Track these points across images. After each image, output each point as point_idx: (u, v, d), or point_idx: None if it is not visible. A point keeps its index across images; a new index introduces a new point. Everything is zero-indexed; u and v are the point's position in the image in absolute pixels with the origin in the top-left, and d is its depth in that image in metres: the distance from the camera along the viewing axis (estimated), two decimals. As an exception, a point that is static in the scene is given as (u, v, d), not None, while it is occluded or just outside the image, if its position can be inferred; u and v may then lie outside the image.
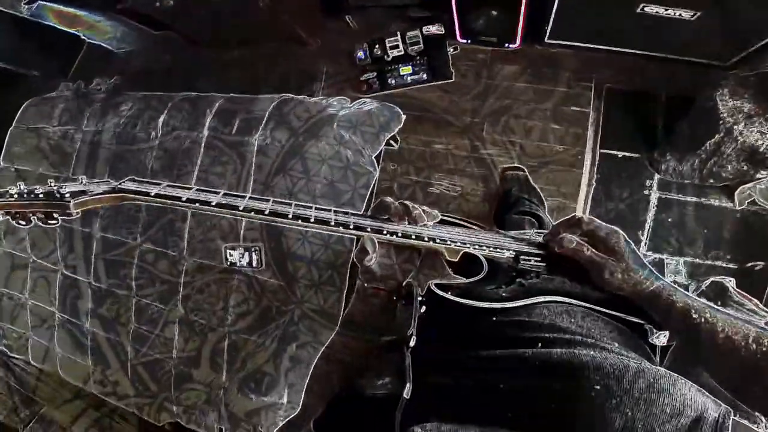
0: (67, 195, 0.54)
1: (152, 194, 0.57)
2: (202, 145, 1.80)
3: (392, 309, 0.72)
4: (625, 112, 1.90)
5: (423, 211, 0.62)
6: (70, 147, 2.08)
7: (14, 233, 2.16)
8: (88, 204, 0.56)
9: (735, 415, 0.40)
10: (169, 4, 2.09)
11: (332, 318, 1.59)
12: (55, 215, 0.55)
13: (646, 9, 1.55)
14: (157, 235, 1.81)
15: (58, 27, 2.42)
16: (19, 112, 2.28)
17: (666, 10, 1.54)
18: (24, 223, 0.56)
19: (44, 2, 2.35)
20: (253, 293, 1.66)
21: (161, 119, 1.91)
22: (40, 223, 0.56)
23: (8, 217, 0.55)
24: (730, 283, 1.67)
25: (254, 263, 1.61)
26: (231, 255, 1.64)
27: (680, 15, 1.55)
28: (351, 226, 0.58)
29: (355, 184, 1.60)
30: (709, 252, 1.78)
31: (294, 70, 2.25)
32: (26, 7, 2.31)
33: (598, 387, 0.41)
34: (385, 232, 0.59)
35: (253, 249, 1.60)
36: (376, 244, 0.58)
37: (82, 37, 2.54)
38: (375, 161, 1.63)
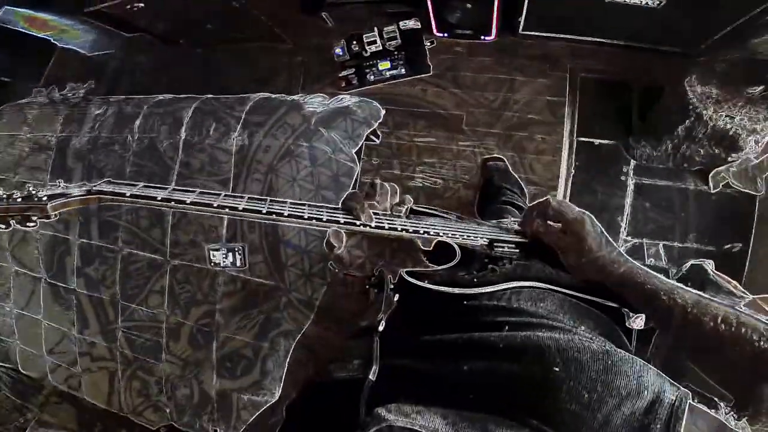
0: (45, 198, 0.55)
1: (128, 195, 0.57)
2: (180, 148, 1.77)
3: (365, 296, 0.73)
4: (600, 101, 1.93)
5: (394, 191, 0.63)
6: (44, 153, 2.03)
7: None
8: (65, 206, 0.57)
9: (693, 399, 0.41)
10: (140, 6, 2.06)
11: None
12: (33, 218, 0.56)
13: (614, -1, 1.58)
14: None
15: (29, 32, 2.37)
16: None
17: None
18: (3, 226, 0.56)
19: (12, 8, 2.30)
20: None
21: (137, 123, 1.88)
22: (18, 226, 0.56)
23: None
24: (709, 265, 1.71)
25: (238, 263, 1.60)
26: (214, 256, 1.63)
27: (646, 3, 1.58)
28: (324, 219, 0.59)
29: (336, 180, 1.60)
30: (687, 235, 1.81)
31: (272, 69, 2.24)
32: (-7, 11, 2.26)
33: (557, 369, 0.42)
34: (358, 224, 0.59)
35: (236, 249, 1.59)
36: (343, 237, 0.59)
37: (53, 42, 2.49)
38: (356, 157, 1.63)
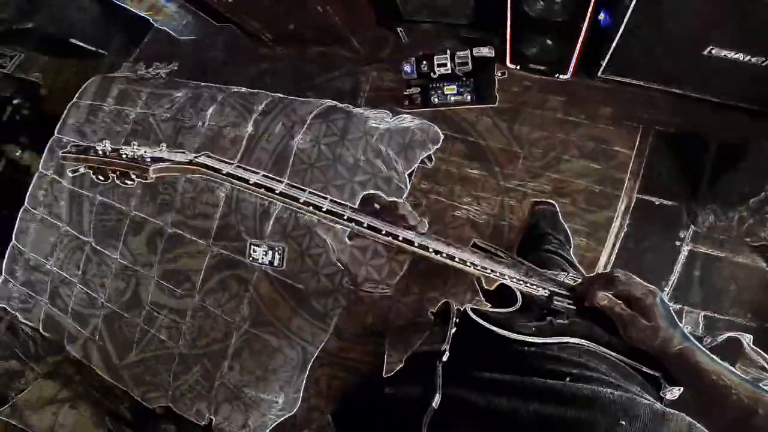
0: (149, 159, 0.58)
1: (224, 172, 0.59)
2: (245, 140, 1.87)
3: (380, 313, 0.75)
4: (671, 158, 1.84)
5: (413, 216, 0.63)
6: (121, 126, 2.18)
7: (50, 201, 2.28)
8: (165, 171, 0.59)
9: None
10: (232, -1, 2.18)
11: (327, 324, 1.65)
12: (133, 176, 0.58)
13: (713, 52, 1.50)
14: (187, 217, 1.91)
15: (129, 8, 2.56)
16: (81, 89, 2.39)
17: (736, 54, 1.48)
18: (102, 179, 0.59)
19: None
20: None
21: (210, 110, 1.99)
22: (117, 181, 0.59)
23: (90, 170, 0.58)
24: (746, 338, 1.61)
25: (276, 262, 1.66)
26: (255, 251, 1.70)
27: (749, 60, 1.48)
28: (365, 225, 0.58)
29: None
30: (731, 308, 1.73)
31: (342, 75, 2.30)
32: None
33: (623, 422, 0.44)
34: (401, 237, 0.59)
35: (276, 248, 1.66)
36: (335, 231, 0.60)
37: (150, 21, 2.67)
38: (407, 178, 1.66)
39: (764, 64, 1.47)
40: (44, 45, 2.82)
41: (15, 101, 2.87)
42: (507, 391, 0.53)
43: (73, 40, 2.74)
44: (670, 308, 0.61)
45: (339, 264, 0.63)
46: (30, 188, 2.34)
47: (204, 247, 1.85)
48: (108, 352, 2.02)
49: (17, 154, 2.80)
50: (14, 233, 2.34)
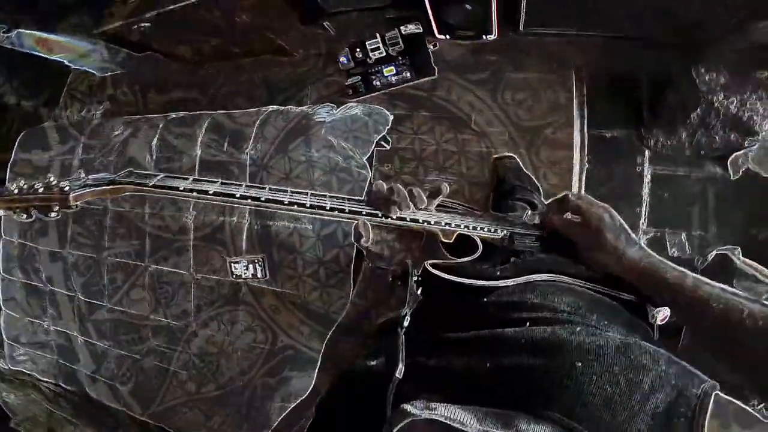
0: (66, 188, 0.56)
1: (150, 185, 0.58)
2: (197, 163, 1.82)
3: (393, 289, 0.74)
4: (609, 93, 1.90)
5: (420, 197, 0.64)
6: (68, 174, 2.10)
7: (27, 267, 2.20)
8: (87, 196, 0.58)
9: (721, 391, 0.40)
10: (146, 26, 2.11)
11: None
12: (55, 208, 0.57)
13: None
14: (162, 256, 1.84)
15: (42, 54, 2.43)
16: (16, 145, 2.30)
17: None
18: (25, 216, 0.57)
19: (23, 30, 2.36)
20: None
21: (154, 142, 1.93)
22: (41, 216, 0.57)
23: (10, 212, 0.57)
24: (736, 252, 1.66)
25: (259, 274, 1.63)
26: (235, 268, 1.66)
27: (651, -6, 1.56)
28: (347, 210, 0.60)
29: (348, 188, 1.62)
30: (710, 223, 1.78)
31: (279, 82, 2.27)
32: (5, 36, 2.32)
33: (579, 364, 0.42)
34: (380, 215, 0.60)
35: (256, 261, 1.63)
36: (369, 228, 0.60)
37: (67, 63, 2.56)
38: (367, 164, 1.64)
39: None
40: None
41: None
42: (469, 349, 0.52)
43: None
44: (623, 223, 0.61)
45: (364, 252, 0.64)
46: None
47: (188, 278, 1.80)
48: (166, 420, 1.97)
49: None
50: (0, 301, 2.30)
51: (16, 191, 0.56)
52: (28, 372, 2.31)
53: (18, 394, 2.41)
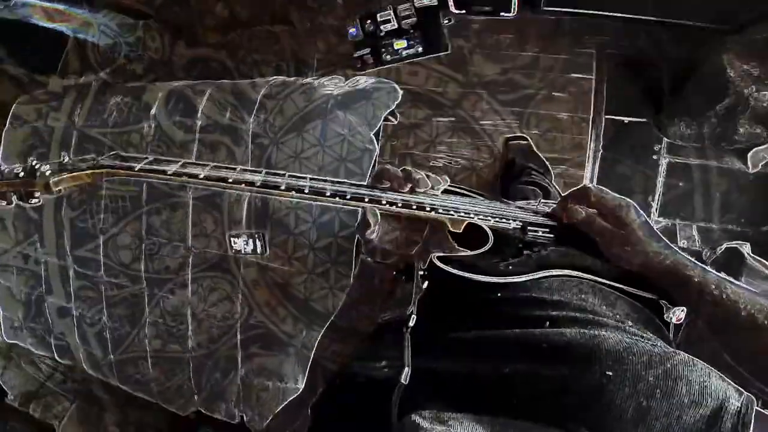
0: (48, 172, 0.53)
1: (136, 168, 0.55)
2: (197, 133, 1.76)
3: (393, 285, 0.69)
4: (629, 77, 1.84)
5: (427, 176, 0.58)
6: (64, 144, 2.05)
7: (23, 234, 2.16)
8: (69, 181, 0.54)
9: (758, 404, 0.37)
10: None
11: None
12: (36, 194, 0.53)
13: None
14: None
15: (43, 24, 2.38)
16: (11, 112, 2.24)
17: None
18: (5, 203, 0.54)
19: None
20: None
21: (153, 110, 1.87)
22: (20, 203, 0.54)
23: None
24: (745, 248, 1.65)
25: (258, 250, 1.58)
26: (235, 243, 1.61)
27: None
28: (348, 197, 0.54)
29: (355, 162, 1.57)
30: (722, 217, 1.74)
31: (285, 53, 2.19)
32: (5, 4, 2.27)
33: (610, 373, 0.38)
34: (384, 201, 0.55)
35: (257, 235, 1.58)
36: (378, 216, 0.55)
37: (66, 32, 2.49)
38: (374, 138, 1.58)
39: None
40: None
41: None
42: (482, 352, 0.48)
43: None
44: (647, 220, 0.56)
45: (363, 240, 0.58)
46: None
47: (184, 251, 1.76)
48: (126, 370, 1.97)
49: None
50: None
51: None
52: (24, 345, 2.24)
53: (13, 368, 2.39)
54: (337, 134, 1.58)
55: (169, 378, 1.88)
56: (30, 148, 2.14)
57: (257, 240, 1.61)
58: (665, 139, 1.78)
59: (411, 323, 0.54)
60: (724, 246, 1.78)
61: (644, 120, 1.80)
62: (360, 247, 1.53)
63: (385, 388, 0.45)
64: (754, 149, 1.70)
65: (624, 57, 1.85)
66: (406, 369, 0.46)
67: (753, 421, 0.35)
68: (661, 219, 1.76)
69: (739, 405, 0.36)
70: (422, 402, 0.42)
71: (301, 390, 1.67)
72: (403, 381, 0.45)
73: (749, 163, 1.73)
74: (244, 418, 1.74)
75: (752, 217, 1.73)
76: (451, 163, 1.92)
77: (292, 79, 1.75)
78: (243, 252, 1.64)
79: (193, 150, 1.74)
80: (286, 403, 1.68)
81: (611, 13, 1.77)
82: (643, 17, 1.74)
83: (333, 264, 1.59)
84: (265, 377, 1.70)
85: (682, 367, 0.38)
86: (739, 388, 0.39)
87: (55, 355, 2.16)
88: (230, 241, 1.65)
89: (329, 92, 1.65)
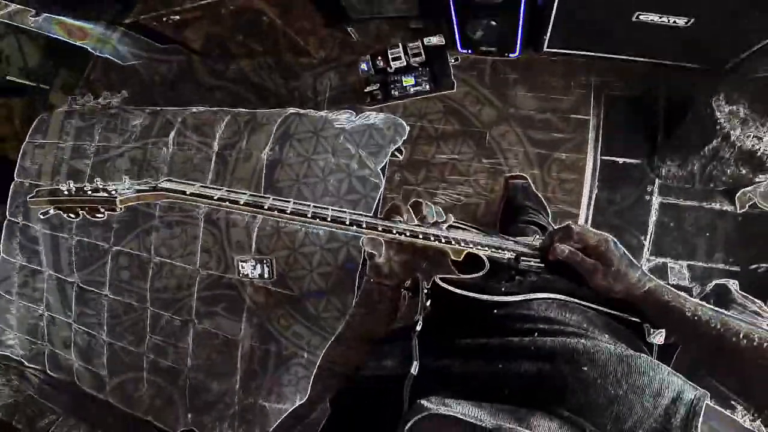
0: (114, 191, 0.59)
1: (188, 193, 0.61)
2: (213, 160, 1.84)
3: (395, 304, 0.76)
4: (625, 118, 1.92)
5: (435, 211, 0.67)
6: (82, 163, 2.12)
7: (27, 245, 2.22)
8: (132, 200, 0.61)
9: (710, 400, 0.43)
10: (176, 18, 2.14)
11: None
12: (102, 209, 0.59)
13: (641, 17, 1.59)
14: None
15: (66, 40, 2.46)
16: (31, 128, 2.31)
17: (660, 17, 1.57)
18: (73, 216, 0.60)
19: (51, 15, 2.39)
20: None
21: (171, 135, 1.95)
22: (88, 216, 0.60)
23: (59, 211, 0.60)
24: (734, 285, 1.69)
25: (266, 275, 1.65)
26: (243, 267, 1.68)
27: (674, 22, 1.57)
28: (364, 225, 0.62)
29: (362, 194, 1.65)
30: (712, 255, 1.80)
31: (298, 83, 2.29)
32: (33, 20, 2.36)
33: (585, 368, 0.46)
34: (394, 231, 0.62)
35: (264, 261, 1.65)
36: (382, 242, 0.63)
37: (90, 50, 2.58)
38: (381, 173, 1.66)
39: (688, 24, 1.56)
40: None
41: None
42: (478, 355, 0.55)
43: (10, 77, 2.62)
44: (625, 252, 0.64)
45: (370, 262, 0.66)
46: (2, 237, 2.28)
47: (192, 271, 1.82)
48: (121, 385, 2.01)
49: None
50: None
51: (66, 192, 0.59)
52: (15, 357, 2.30)
53: (1, 379, 2.41)
54: (346, 167, 1.67)
55: (162, 396, 1.92)
56: (45, 164, 2.21)
57: (264, 265, 1.68)
58: (657, 180, 1.85)
59: (418, 327, 0.60)
60: (713, 283, 1.83)
61: (638, 161, 1.88)
62: (363, 272, 1.60)
63: (396, 379, 0.51)
64: (741, 190, 1.76)
65: (621, 98, 1.93)
66: (415, 362, 0.53)
67: (704, 409, 0.42)
68: (652, 257, 1.82)
69: (692, 397, 0.43)
70: (429, 393, 0.47)
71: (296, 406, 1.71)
72: (413, 372, 0.52)
73: (737, 203, 1.79)
74: None
75: (740, 256, 1.78)
76: (453, 199, 1.99)
77: (305, 111, 1.84)
78: (250, 276, 1.70)
79: (208, 176, 1.82)
80: (282, 418, 1.72)
81: (611, 55, 1.86)
82: (641, 59, 1.83)
83: (336, 289, 1.66)
84: (263, 398, 1.74)
85: (645, 364, 0.45)
86: (694, 385, 0.45)
87: (47, 368, 2.20)
88: (238, 266, 1.72)
89: (341, 126, 1.73)
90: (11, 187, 2.27)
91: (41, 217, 0.67)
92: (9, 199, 2.25)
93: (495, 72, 2.04)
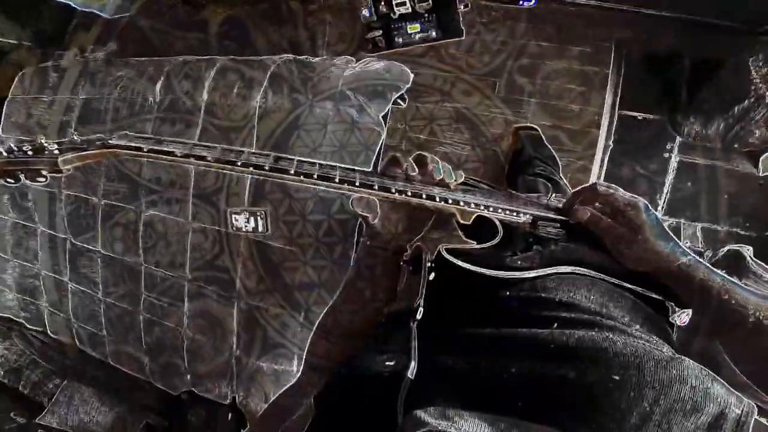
0: (56, 150, 0.52)
1: (145, 150, 0.54)
2: (202, 109, 1.74)
3: (396, 273, 0.67)
4: (647, 74, 1.81)
5: (442, 167, 0.56)
6: (67, 116, 2.04)
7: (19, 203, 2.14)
8: (76, 160, 0.53)
9: (756, 413, 0.37)
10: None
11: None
12: (44, 173, 0.53)
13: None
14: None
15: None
16: (14, 83, 2.22)
17: None
18: (12, 181, 0.54)
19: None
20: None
21: (158, 85, 1.85)
22: (28, 182, 0.53)
23: None
24: (748, 251, 1.63)
25: (260, 228, 1.57)
26: (236, 220, 1.60)
27: (712, -23, 1.47)
28: (357, 183, 0.53)
29: (361, 143, 1.55)
30: (728, 219, 1.73)
31: (296, 30, 2.15)
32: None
33: (616, 377, 0.38)
34: (393, 190, 0.53)
35: (258, 213, 1.56)
36: (375, 203, 0.54)
37: (73, 5, 2.44)
38: (382, 121, 1.56)
39: None
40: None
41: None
42: (489, 349, 0.47)
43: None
44: (660, 219, 0.55)
45: (365, 223, 0.57)
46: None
47: (184, 224, 1.76)
48: (120, 347, 1.99)
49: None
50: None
51: (4, 153, 0.52)
52: (17, 319, 2.27)
53: (4, 343, 2.36)
54: (346, 114, 1.57)
55: (163, 357, 1.88)
56: (30, 120, 2.13)
57: (258, 217, 1.60)
58: (677, 138, 1.75)
59: (418, 316, 0.53)
60: (726, 248, 1.77)
61: (658, 117, 1.77)
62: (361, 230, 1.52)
63: (391, 382, 0.45)
64: (766, 154, 1.68)
65: (644, 53, 1.81)
66: (413, 364, 0.46)
67: (751, 429, 0.36)
68: (666, 217, 1.74)
69: (739, 412, 0.37)
70: (427, 398, 0.41)
71: (297, 378, 1.67)
72: (409, 376, 0.45)
73: (760, 166, 1.71)
74: (237, 399, 1.74)
75: (757, 221, 1.71)
76: (459, 149, 1.88)
77: (302, 57, 1.73)
78: (244, 229, 1.63)
79: (198, 124, 1.72)
80: (283, 390, 1.68)
81: (634, 8, 1.75)
82: (667, 14, 1.72)
83: (339, 241, 1.58)
84: (260, 358, 1.70)
85: (687, 373, 0.38)
86: (740, 395, 0.39)
87: (48, 330, 2.16)
88: (231, 218, 1.64)
89: (340, 72, 1.62)
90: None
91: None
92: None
93: (507, 19, 1.90)
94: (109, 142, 0.54)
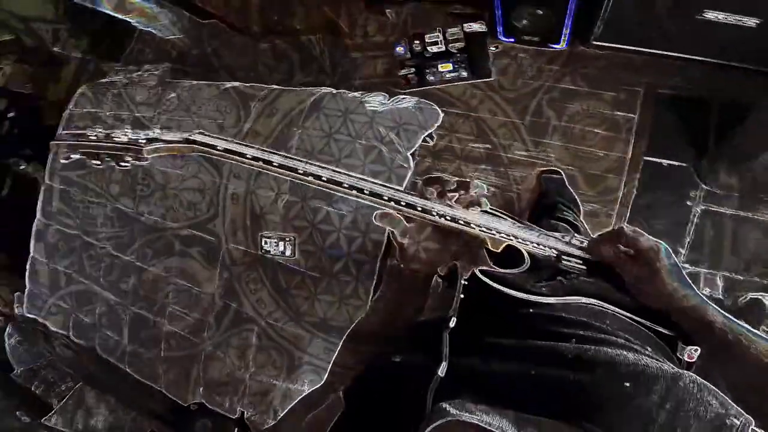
0: (143, 141, 0.57)
1: (219, 148, 0.59)
2: (244, 134, 1.86)
3: (426, 291, 0.74)
4: (674, 120, 1.82)
5: (477, 193, 0.63)
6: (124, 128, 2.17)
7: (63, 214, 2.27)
8: (160, 151, 0.59)
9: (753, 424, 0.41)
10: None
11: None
12: (128, 158, 0.58)
13: (706, 15, 1.49)
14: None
15: (110, 13, 2.51)
16: (73, 98, 2.36)
17: (728, 16, 1.47)
18: (97, 162, 0.59)
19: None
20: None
21: (207, 108, 1.98)
22: (113, 164, 0.58)
23: (84, 156, 0.59)
24: (767, 299, 1.61)
25: (287, 253, 1.66)
26: (266, 243, 1.69)
27: (742, 22, 1.47)
28: (403, 203, 0.59)
29: (389, 180, 1.62)
30: (749, 268, 1.71)
31: (332, 63, 2.26)
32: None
33: (627, 384, 0.43)
34: (434, 213, 0.59)
35: (287, 239, 1.65)
36: (401, 219, 0.59)
37: (134, 24, 2.63)
38: (410, 158, 1.64)
39: (757, 25, 1.46)
40: (26, 56, 2.78)
41: (10, 114, 2.81)
42: (511, 356, 0.52)
43: (55, 49, 2.70)
44: (679, 265, 0.60)
45: (395, 243, 0.63)
46: (39, 201, 2.31)
47: (217, 243, 1.85)
48: (139, 354, 2.05)
49: (22, 167, 2.75)
50: (32, 245, 2.31)
51: (94, 137, 0.58)
52: (42, 321, 2.29)
53: (25, 343, 2.41)
54: (376, 151, 1.65)
55: (177, 367, 1.95)
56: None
57: (287, 243, 1.68)
58: (702, 186, 1.76)
59: (451, 325, 0.58)
60: (748, 296, 1.75)
61: (684, 164, 1.78)
62: (387, 253, 1.58)
63: (421, 378, 0.49)
64: None
65: (671, 98, 1.82)
66: (444, 363, 0.50)
67: None
68: (687, 265, 1.73)
69: (739, 423, 0.40)
70: (454, 394, 0.46)
71: (307, 393, 1.70)
72: (440, 374, 0.49)
73: None
74: (245, 414, 1.78)
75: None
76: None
77: (338, 91, 1.82)
78: (272, 253, 1.71)
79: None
80: (293, 403, 1.72)
81: (667, 53, 1.75)
82: (698, 58, 1.71)
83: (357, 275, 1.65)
84: (273, 377, 1.76)
85: (691, 386, 0.42)
86: (740, 410, 0.42)
87: (71, 334, 2.22)
88: (261, 241, 1.72)
89: (374, 108, 1.71)
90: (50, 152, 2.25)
91: (63, 162, 0.67)
92: (48, 164, 2.25)
93: (536, 62, 1.96)
94: (190, 137, 0.60)
